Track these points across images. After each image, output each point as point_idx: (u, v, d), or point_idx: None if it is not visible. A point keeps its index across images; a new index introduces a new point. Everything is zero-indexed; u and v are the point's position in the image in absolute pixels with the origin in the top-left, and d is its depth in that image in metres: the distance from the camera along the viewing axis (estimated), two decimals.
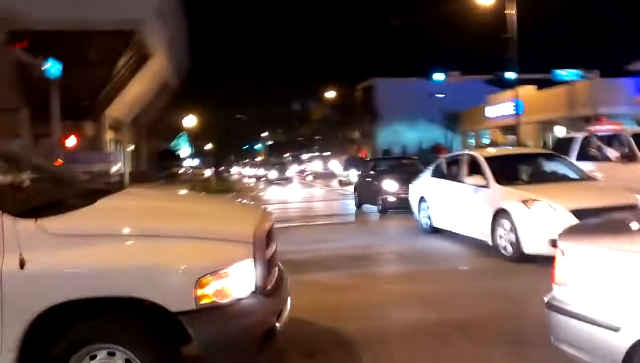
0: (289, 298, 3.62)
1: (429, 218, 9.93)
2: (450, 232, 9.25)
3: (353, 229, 12.72)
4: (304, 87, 71.52)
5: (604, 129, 11.13)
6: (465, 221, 8.68)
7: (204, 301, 2.90)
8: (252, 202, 4.71)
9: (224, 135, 34.84)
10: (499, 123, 33.63)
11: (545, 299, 3.35)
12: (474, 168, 8.72)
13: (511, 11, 23.07)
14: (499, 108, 33.41)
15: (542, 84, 29.15)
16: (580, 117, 23.11)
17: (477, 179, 8.33)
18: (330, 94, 51.33)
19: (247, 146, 64.39)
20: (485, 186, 8.17)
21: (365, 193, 15.46)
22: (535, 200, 7.10)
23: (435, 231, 9.74)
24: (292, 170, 40.37)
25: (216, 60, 34.92)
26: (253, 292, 3.08)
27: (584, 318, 3.05)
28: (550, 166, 9.16)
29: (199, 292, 2.89)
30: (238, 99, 33.39)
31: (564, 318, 3.19)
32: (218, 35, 62.85)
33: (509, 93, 27.88)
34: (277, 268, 3.69)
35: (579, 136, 11.99)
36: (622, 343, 2.80)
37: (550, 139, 27.05)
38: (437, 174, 10.15)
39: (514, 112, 24.81)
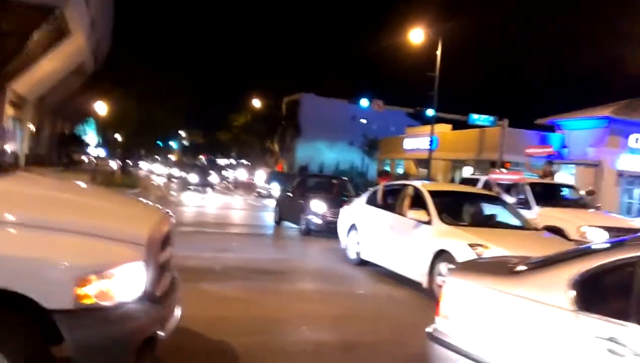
0: (178, 307, 3.48)
1: (358, 248, 9.13)
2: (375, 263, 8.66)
3: (266, 243, 12.43)
4: (229, 91, 70.63)
5: (504, 177, 11.92)
6: (399, 257, 7.94)
7: (83, 301, 2.73)
8: (157, 203, 4.50)
9: (137, 127, 32.63)
10: (414, 155, 35.00)
11: (428, 330, 3.48)
12: (416, 201, 8.08)
13: (436, 52, 24.26)
14: (416, 141, 34.82)
15: (457, 125, 30.74)
16: (487, 161, 24.61)
17: (419, 214, 7.61)
18: (256, 103, 51.01)
19: (161, 143, 61.83)
20: (428, 222, 7.49)
21: (288, 209, 14.33)
22: (485, 246, 6.51)
23: (362, 263, 8.98)
24: (214, 175, 36.81)
25: (138, 50, 32.73)
26: (140, 297, 2.93)
27: (459, 352, 3.19)
28: (495, 209, 8.65)
29: (79, 291, 2.71)
30: (157, 93, 31.72)
31: (442, 350, 3.32)
32: (143, 25, 60.50)
33: (426, 128, 29.19)
34: (170, 274, 3.55)
35: (482, 178, 12.82)
36: None
37: (457, 177, 28.51)
38: (373, 202, 9.33)
39: (428, 147, 25.96)
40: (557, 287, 2.87)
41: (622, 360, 2.50)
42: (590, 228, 9.59)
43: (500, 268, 3.55)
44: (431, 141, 25.55)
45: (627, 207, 23.45)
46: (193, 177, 33.42)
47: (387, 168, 40.62)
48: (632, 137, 22.94)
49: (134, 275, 2.89)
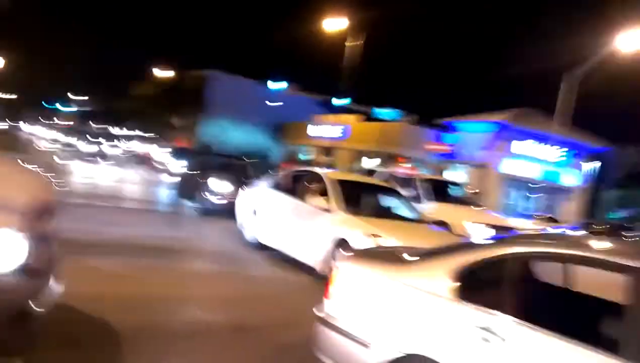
0: (58, 281, 3.25)
1: (257, 231, 9.08)
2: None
3: (161, 221, 11.62)
4: (134, 59, 66.81)
5: (401, 171, 12.46)
6: (298, 243, 7.96)
7: None
8: (41, 170, 4.13)
9: (26, 84, 30.02)
10: (320, 143, 35.44)
11: (315, 311, 3.56)
12: (318, 188, 8.18)
13: (354, 43, 24.70)
14: (322, 129, 35.27)
15: (365, 116, 31.54)
16: (388, 153, 25.55)
17: (320, 201, 7.76)
18: (161, 74, 48.72)
19: (50, 105, 57.07)
20: (327, 210, 7.66)
21: (188, 187, 13.91)
22: (379, 236, 6.72)
23: (260, 246, 8.88)
24: (108, 145, 34.32)
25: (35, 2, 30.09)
26: (12, 267, 2.69)
27: (343, 333, 3.30)
28: (391, 201, 8.89)
29: None
30: (52, 50, 29.43)
31: (327, 331, 3.42)
32: None
33: (334, 117, 29.70)
34: (50, 246, 3.30)
35: (383, 170, 13.33)
36: (370, 360, 3.09)
37: (359, 168, 29.32)
38: (276, 186, 9.36)
39: (335, 135, 26.44)
40: (442, 278, 3.04)
41: (491, 347, 2.70)
42: (474, 225, 10.31)
43: (391, 257, 3.70)
44: (339, 130, 26.05)
45: (507, 206, 25.48)
46: (84, 145, 31.10)
47: (297, 154, 40.89)
48: (516, 143, 24.95)
49: (4, 243, 2.65)
